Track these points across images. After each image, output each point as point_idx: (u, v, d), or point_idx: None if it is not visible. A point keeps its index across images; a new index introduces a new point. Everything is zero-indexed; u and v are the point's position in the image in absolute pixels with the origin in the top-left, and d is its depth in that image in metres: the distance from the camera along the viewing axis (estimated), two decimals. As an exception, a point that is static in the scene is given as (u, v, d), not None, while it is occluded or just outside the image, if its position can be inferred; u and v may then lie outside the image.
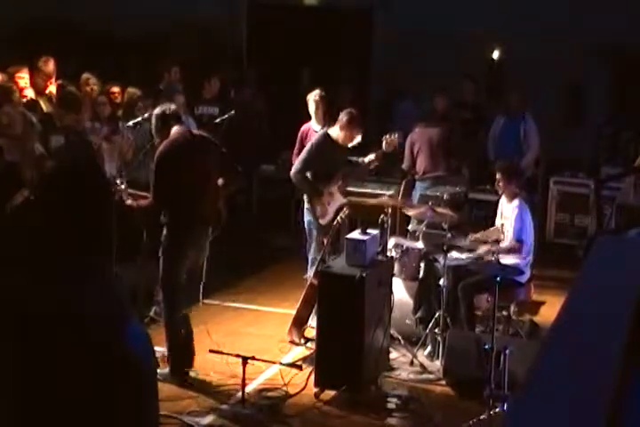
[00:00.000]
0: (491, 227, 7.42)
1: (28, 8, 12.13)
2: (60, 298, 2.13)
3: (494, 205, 7.57)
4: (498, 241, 7.12)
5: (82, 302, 2.14)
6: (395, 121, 10.70)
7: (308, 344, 7.02)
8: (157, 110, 6.48)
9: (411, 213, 7.55)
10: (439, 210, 7.11)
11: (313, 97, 8.20)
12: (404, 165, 8.98)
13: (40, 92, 8.93)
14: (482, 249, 7.16)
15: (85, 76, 9.05)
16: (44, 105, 8.70)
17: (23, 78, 8.69)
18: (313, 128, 8.34)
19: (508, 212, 7.11)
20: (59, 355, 2.08)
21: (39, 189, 2.34)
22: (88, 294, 2.16)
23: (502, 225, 7.18)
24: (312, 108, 8.22)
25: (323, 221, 7.73)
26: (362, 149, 7.99)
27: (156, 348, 6.63)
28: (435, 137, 8.83)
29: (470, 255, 7.19)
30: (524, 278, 7.06)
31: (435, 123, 9.01)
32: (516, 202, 7.08)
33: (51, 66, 9.19)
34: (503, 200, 7.26)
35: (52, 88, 9.10)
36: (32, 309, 2.12)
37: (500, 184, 7.14)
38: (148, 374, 2.19)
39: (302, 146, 8.41)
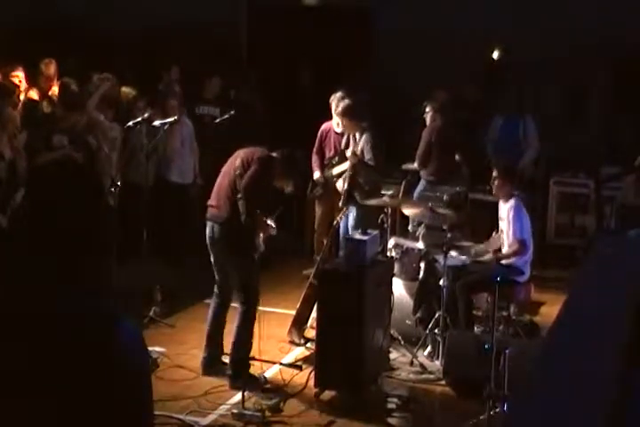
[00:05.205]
0: (491, 229, 7.43)
1: (27, 7, 12.12)
2: (56, 298, 2.12)
3: (494, 206, 7.58)
4: (500, 249, 7.14)
5: (76, 301, 2.13)
6: None
7: (308, 344, 7.02)
8: None
9: (408, 211, 7.56)
10: (439, 210, 7.11)
11: (336, 100, 8.23)
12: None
13: (43, 94, 8.91)
14: (486, 257, 7.18)
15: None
16: (47, 107, 8.67)
17: (18, 77, 8.65)
18: (334, 128, 8.39)
19: (504, 212, 7.11)
20: (55, 355, 2.08)
21: (30, 183, 2.33)
22: (82, 293, 2.16)
23: (501, 230, 7.19)
24: (335, 109, 8.25)
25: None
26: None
27: (156, 348, 6.66)
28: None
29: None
30: (523, 278, 7.06)
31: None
32: (511, 202, 7.07)
33: (52, 68, 9.15)
34: (500, 202, 7.26)
35: (54, 90, 9.08)
36: (30, 309, 2.11)
37: (496, 183, 7.12)
38: (142, 373, 2.18)
39: (321, 145, 8.50)
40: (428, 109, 9.12)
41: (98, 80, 8.73)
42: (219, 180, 6.41)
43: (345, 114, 8.04)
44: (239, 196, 6.15)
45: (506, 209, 7.08)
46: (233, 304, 6.52)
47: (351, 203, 8.07)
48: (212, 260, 6.41)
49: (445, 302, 6.79)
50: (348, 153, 8.14)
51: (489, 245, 7.33)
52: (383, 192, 8.35)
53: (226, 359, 6.43)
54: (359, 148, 8.11)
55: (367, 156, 8.10)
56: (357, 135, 8.17)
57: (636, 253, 2.66)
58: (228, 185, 6.27)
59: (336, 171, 8.35)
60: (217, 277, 6.46)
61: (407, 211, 7.86)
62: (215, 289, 6.50)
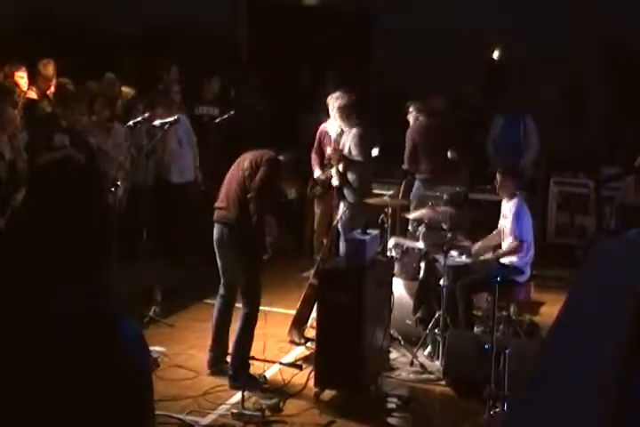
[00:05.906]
0: (490, 228, 7.43)
1: (26, 7, 12.12)
2: (56, 298, 2.13)
3: (494, 205, 7.59)
4: (499, 246, 7.15)
5: (76, 301, 2.13)
6: None
7: (308, 344, 7.03)
8: None
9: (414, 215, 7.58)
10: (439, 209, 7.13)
11: (333, 99, 8.23)
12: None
13: (42, 94, 8.89)
14: (485, 256, 7.19)
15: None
16: (47, 107, 8.66)
17: (23, 78, 8.63)
18: (329, 128, 8.41)
19: (507, 211, 7.14)
20: (56, 355, 2.08)
21: (31, 182, 2.33)
22: (82, 293, 2.16)
23: (503, 227, 7.20)
24: (331, 109, 8.26)
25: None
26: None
27: (156, 348, 6.66)
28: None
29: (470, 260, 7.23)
30: (523, 278, 7.06)
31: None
32: (514, 200, 7.10)
33: (50, 69, 9.13)
34: (504, 200, 7.28)
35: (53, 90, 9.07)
36: (30, 309, 2.12)
37: (499, 185, 7.15)
38: (143, 372, 2.18)
39: (320, 144, 8.50)
40: (411, 109, 9.15)
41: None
42: (226, 182, 6.39)
43: (336, 112, 8.09)
44: (249, 196, 6.14)
45: (508, 207, 7.11)
46: (236, 305, 6.52)
47: (342, 201, 8.07)
48: (218, 261, 6.39)
49: (445, 302, 6.79)
50: (328, 151, 8.16)
51: (487, 241, 7.33)
52: (383, 192, 8.36)
53: (228, 359, 6.44)
54: (347, 144, 8.11)
55: (354, 152, 8.10)
56: (329, 133, 8.24)
57: (636, 253, 2.66)
58: (236, 186, 6.25)
59: (335, 171, 8.36)
60: (223, 277, 6.44)
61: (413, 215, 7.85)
62: (220, 290, 6.47)
